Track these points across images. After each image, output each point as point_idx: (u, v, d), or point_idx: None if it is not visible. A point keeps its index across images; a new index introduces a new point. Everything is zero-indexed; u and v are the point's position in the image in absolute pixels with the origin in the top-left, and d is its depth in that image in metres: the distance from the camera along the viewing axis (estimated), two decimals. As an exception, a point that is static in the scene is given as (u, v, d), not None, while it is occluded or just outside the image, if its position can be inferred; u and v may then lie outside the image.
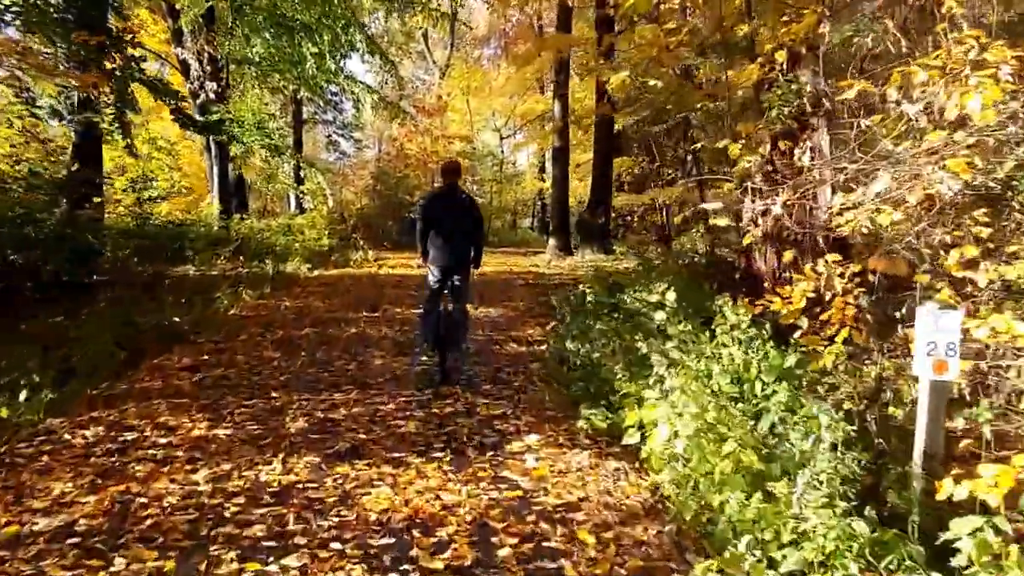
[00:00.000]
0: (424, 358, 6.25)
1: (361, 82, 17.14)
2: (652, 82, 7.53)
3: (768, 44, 5.30)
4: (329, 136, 30.05)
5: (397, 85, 18.56)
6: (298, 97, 23.81)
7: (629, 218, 25.42)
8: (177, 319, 8.09)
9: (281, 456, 4.27)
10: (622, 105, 20.40)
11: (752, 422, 3.62)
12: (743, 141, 5.21)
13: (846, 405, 3.51)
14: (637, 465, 4.12)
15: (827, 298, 3.99)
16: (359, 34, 16.22)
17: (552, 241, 21.50)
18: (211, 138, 17.41)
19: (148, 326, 7.48)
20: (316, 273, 13.93)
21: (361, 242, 20.49)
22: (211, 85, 15.63)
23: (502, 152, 37.14)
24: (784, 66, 5.20)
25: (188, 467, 4.11)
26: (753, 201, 5.11)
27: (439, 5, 21.32)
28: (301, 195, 20.67)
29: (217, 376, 6.01)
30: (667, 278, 7.45)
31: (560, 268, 16.10)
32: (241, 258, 13.59)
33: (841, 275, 3.87)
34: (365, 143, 38.22)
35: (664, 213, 22.95)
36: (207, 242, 14.19)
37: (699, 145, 12.67)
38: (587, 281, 9.67)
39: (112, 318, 7.49)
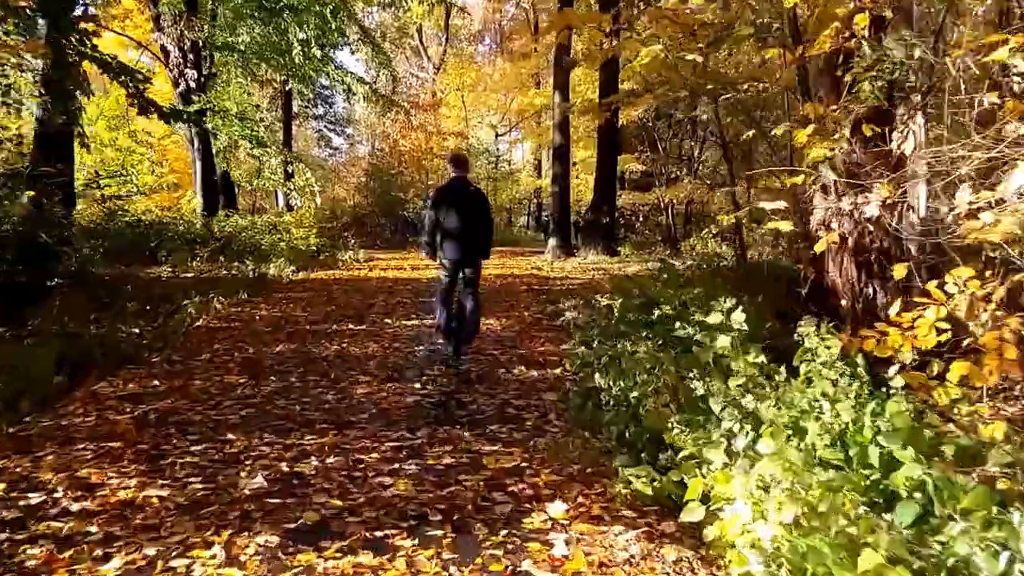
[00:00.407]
0: (440, 342, 6.68)
1: (352, 73, 16.02)
2: (690, 57, 6.40)
3: (840, 8, 4.23)
4: (319, 131, 28.87)
5: (390, 78, 17.41)
6: (287, 89, 22.71)
7: (633, 218, 24.38)
8: (136, 330, 7.00)
9: (227, 534, 3.17)
10: (625, 97, 19.40)
11: (866, 508, 2.56)
12: (813, 126, 4.12)
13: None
14: (704, 553, 3.05)
15: (963, 327, 2.92)
16: (349, 21, 15.11)
17: (552, 241, 20.44)
18: (193, 130, 16.36)
19: (97, 341, 6.37)
20: (301, 276, 12.82)
21: (352, 241, 19.38)
22: (191, 73, 14.53)
23: (497, 149, 36.02)
24: (867, 32, 4.13)
25: (99, 551, 3.01)
26: (839, 198, 4.03)
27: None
28: (288, 192, 19.48)
29: (165, 409, 4.89)
30: (696, 289, 6.40)
31: (564, 270, 15.03)
32: (221, 258, 12.48)
33: (987, 298, 2.80)
34: (358, 139, 37.11)
35: (669, 213, 21.90)
36: (185, 241, 13.09)
37: (732, 136, 11.47)
38: (611, 292, 8.48)
39: (58, 331, 6.40)
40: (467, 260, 6.27)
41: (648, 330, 4.98)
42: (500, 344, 7.20)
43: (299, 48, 13.75)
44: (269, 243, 15.04)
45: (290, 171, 20.00)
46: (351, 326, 7.90)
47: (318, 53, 13.21)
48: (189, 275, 11.28)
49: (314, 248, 15.95)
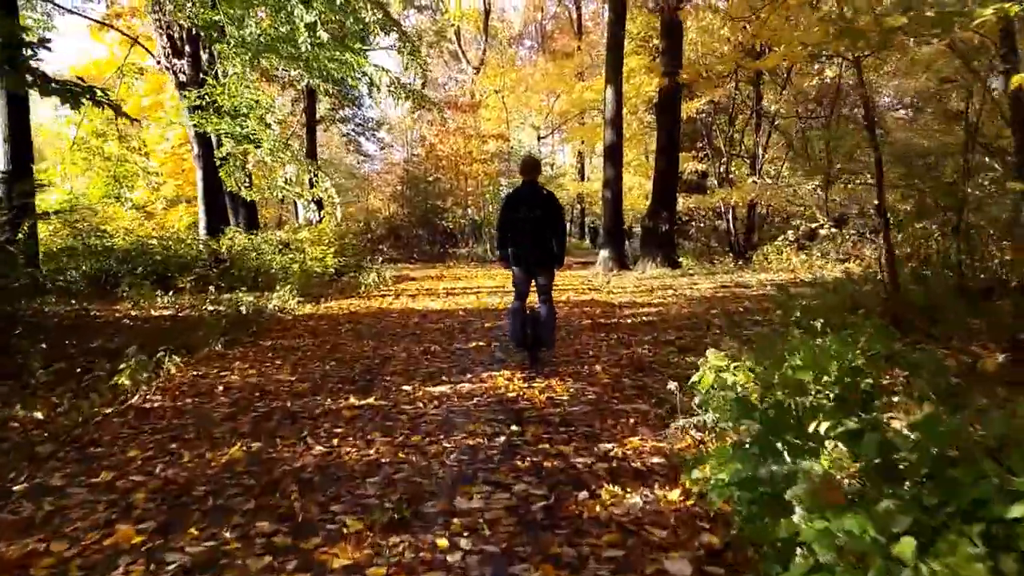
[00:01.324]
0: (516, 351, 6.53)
1: (372, 63, 13.62)
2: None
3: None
4: (346, 135, 26.68)
5: (419, 70, 14.98)
6: (310, 89, 20.53)
7: (686, 223, 21.65)
8: (39, 415, 4.68)
9: None
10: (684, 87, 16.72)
11: None
12: None
13: None
14: None
15: None
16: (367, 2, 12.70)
17: (604, 253, 17.85)
18: (192, 131, 14.25)
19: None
20: (309, 309, 10.43)
21: (379, 260, 17.02)
22: (180, 63, 12.32)
23: (540, 152, 33.47)
24: None
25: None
26: None
27: None
28: (306, 204, 17.12)
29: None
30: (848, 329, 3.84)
31: (624, 289, 12.44)
32: (213, 288, 10.17)
33: None
34: (393, 144, 34.93)
35: (729, 218, 19.16)
36: (170, 268, 10.86)
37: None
38: (721, 329, 5.78)
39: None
40: (540, 267, 6.26)
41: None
42: (570, 431, 4.64)
43: (306, 34, 11.37)
44: (280, 266, 12.76)
45: (312, 181, 17.77)
46: (352, 400, 5.42)
47: (324, 36, 10.81)
48: (166, 313, 8.99)
49: (332, 270, 13.61)
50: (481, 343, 7.58)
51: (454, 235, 28.60)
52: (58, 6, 15.64)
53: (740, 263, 16.63)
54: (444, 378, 6.10)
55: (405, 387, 5.82)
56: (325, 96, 24.37)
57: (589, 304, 10.37)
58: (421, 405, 5.28)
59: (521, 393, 5.56)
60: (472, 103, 29.46)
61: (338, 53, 12.85)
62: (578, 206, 35.63)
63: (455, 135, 28.24)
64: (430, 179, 28.13)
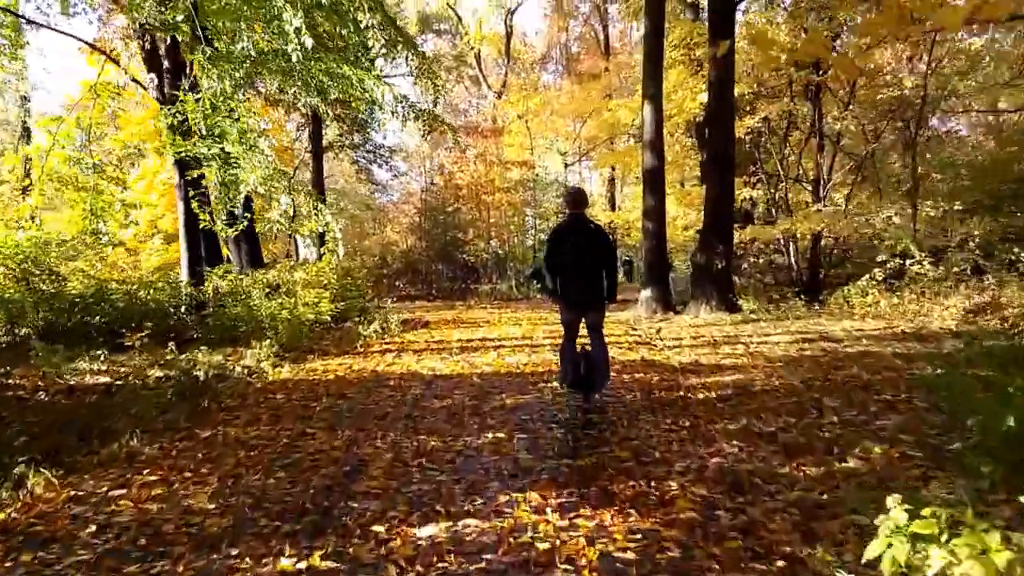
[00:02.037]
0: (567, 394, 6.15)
1: (376, 75, 11.77)
2: None
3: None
4: (356, 162, 24.96)
5: (431, 86, 13.07)
6: (314, 113, 18.84)
7: (740, 258, 19.47)
8: None
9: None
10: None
11: None
12: None
13: None
14: None
15: None
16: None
17: (647, 292, 15.68)
18: (174, 160, 12.51)
19: None
20: (287, 372, 8.34)
21: (388, 303, 15.05)
22: (149, 77, 10.58)
23: (567, 180, 31.56)
24: None
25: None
26: None
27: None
28: (304, 240, 15.13)
29: None
30: None
31: (679, 340, 10.27)
32: (175, 344, 8.22)
33: None
34: (409, 172, 33.21)
35: (790, 251, 16.95)
36: (138, 317, 8.98)
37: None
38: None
39: None
40: (589, 303, 5.96)
41: None
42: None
43: (296, 41, 9.52)
44: (268, 312, 10.80)
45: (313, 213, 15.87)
46: (284, 561, 3.32)
47: (309, 43, 8.93)
48: (100, 380, 7.02)
49: (328, 316, 11.61)
50: (500, 434, 5.42)
51: (476, 269, 26.68)
52: (32, 22, 14.01)
53: (810, 306, 14.45)
54: (439, 506, 3.96)
55: (376, 526, 3.72)
56: (334, 121, 22.75)
57: (641, 366, 8.19)
58: (395, 571, 3.20)
59: (556, 543, 3.46)
60: (494, 129, 27.69)
61: (334, 66, 11.00)
62: (609, 237, 33.53)
63: (476, 162, 26.44)
64: (449, 209, 26.31)
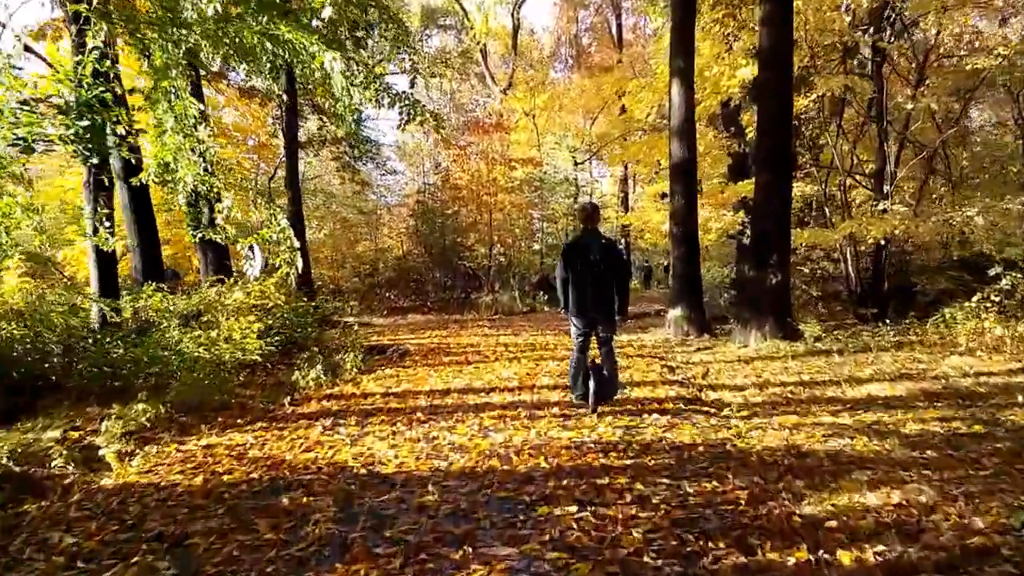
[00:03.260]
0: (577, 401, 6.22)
1: (323, 38, 8.72)
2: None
3: None
4: (336, 158, 21.90)
5: (406, 60, 9.92)
6: (289, 103, 15.91)
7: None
8: None
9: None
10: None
11: None
12: None
13: None
14: None
15: None
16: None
17: (677, 311, 12.60)
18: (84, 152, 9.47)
19: None
20: (136, 467, 5.01)
21: (354, 328, 12.01)
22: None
23: (575, 179, 28.40)
24: None
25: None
26: None
27: None
28: (246, 251, 11.80)
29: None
30: None
31: (740, 389, 7.10)
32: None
33: None
34: (401, 172, 30.11)
35: (849, 261, 13.76)
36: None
37: None
38: None
39: None
40: (601, 318, 6.03)
41: None
42: None
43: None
44: (193, 350, 7.73)
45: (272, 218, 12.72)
46: None
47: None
48: None
49: (256, 356, 8.42)
50: None
51: (477, 277, 23.59)
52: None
53: (874, 325, 11.28)
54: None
55: None
56: (314, 113, 19.76)
57: (699, 455, 5.00)
58: None
59: None
60: (497, 124, 24.57)
61: (262, 25, 7.93)
62: (621, 240, 30.34)
63: (477, 160, 23.35)
64: (448, 212, 23.23)
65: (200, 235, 10.21)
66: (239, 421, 6.32)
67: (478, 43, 34.26)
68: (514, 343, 11.89)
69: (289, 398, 7.24)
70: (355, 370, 8.78)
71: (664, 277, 37.25)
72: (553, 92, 32.68)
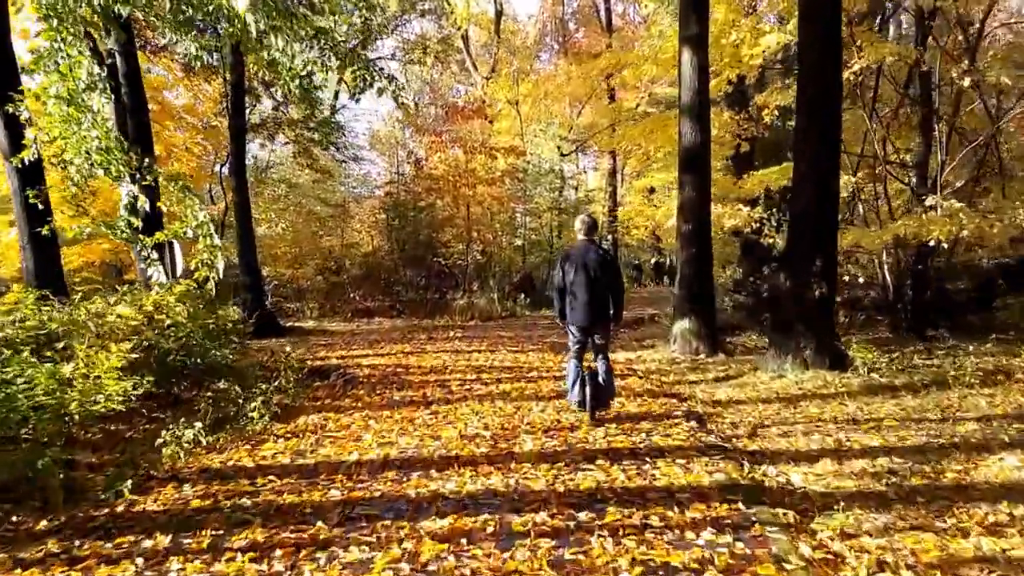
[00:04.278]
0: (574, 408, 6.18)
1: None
2: None
3: None
4: (289, 143, 19.31)
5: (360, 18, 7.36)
6: (236, 79, 13.42)
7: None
8: None
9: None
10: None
11: None
12: None
13: None
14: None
15: None
16: None
17: (684, 324, 10.23)
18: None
19: None
20: None
21: (286, 351, 9.55)
22: None
23: (560, 170, 25.95)
24: None
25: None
26: None
27: None
28: (144, 252, 8.92)
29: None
30: None
31: (794, 451, 4.70)
32: None
33: None
34: (379, 163, 27.52)
35: (884, 268, 11.41)
36: None
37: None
38: None
39: None
40: (596, 325, 6.07)
41: None
42: None
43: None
44: (46, 392, 5.24)
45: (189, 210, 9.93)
46: None
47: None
48: None
49: (117, 404, 5.86)
50: None
51: (453, 276, 21.12)
52: None
53: (913, 340, 9.02)
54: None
55: None
56: (265, 93, 17.15)
57: None
58: None
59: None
60: (477, 109, 22.04)
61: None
62: (609, 238, 28.00)
63: (455, 147, 20.83)
64: (421, 205, 20.71)
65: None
66: (40, 526, 3.86)
67: (459, 29, 31.74)
68: (489, 365, 9.45)
69: (143, 476, 4.77)
70: (265, 418, 6.28)
71: (656, 275, 35.08)
72: (539, 79, 30.24)
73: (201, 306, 8.35)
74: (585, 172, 36.40)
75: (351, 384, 8.37)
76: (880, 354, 8.33)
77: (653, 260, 36.07)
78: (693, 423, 5.90)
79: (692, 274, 10.47)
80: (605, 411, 6.19)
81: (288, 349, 11.35)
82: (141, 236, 7.99)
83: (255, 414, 6.17)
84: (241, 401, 6.51)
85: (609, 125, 24.73)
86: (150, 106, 19.34)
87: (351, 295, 19.31)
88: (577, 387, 6.02)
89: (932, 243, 9.72)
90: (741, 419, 6.24)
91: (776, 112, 12.78)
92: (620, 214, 27.92)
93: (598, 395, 5.99)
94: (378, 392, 7.71)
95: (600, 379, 6.03)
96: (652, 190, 34.93)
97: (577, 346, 6.16)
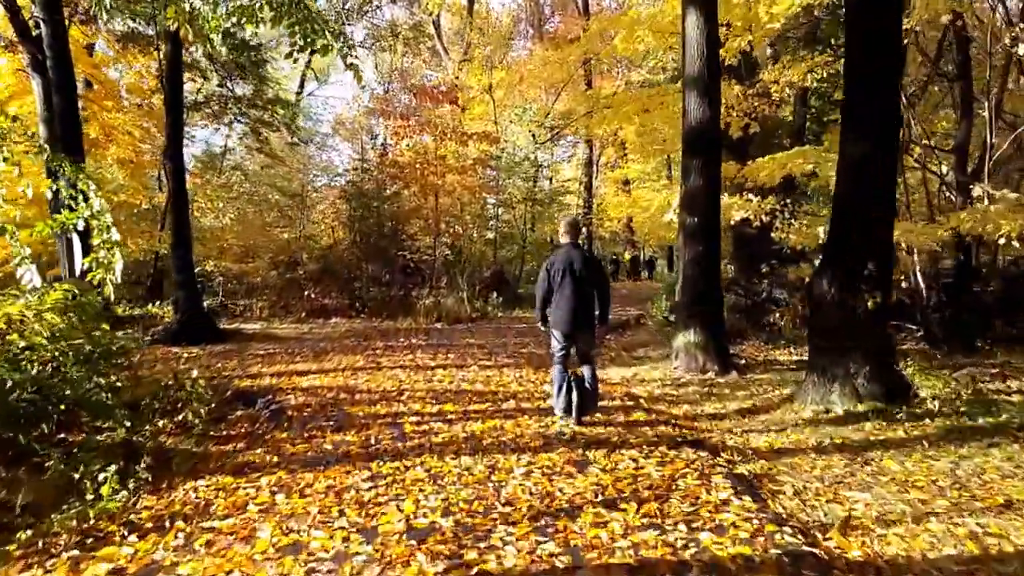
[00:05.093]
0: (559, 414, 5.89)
1: None
2: None
3: None
4: (234, 122, 17.09)
5: None
6: (173, 53, 11.29)
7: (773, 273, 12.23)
8: None
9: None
10: None
11: None
12: None
13: None
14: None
15: None
16: None
17: (689, 336, 8.28)
18: None
19: None
20: None
21: (196, 383, 7.42)
22: None
23: (535, 158, 23.95)
24: None
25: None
26: None
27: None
28: (18, 252, 6.70)
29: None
30: None
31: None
32: None
33: None
34: (342, 150, 25.27)
35: (918, 265, 9.53)
36: None
37: None
38: None
39: None
40: (582, 330, 5.81)
41: None
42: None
43: None
44: None
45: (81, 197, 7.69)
46: None
47: None
48: None
49: None
50: None
51: (420, 271, 19.07)
52: None
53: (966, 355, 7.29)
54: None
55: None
56: (211, 68, 14.89)
57: None
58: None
59: None
60: (446, 92, 19.93)
61: None
62: (585, 231, 26.16)
63: (422, 130, 18.71)
64: (385, 195, 18.60)
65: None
66: None
67: (430, 14, 29.66)
68: (455, 389, 7.47)
69: None
70: (125, 492, 4.26)
71: (634, 270, 33.37)
72: (513, 63, 28.27)
73: (81, 319, 6.27)
74: (561, 162, 34.56)
75: (276, 418, 6.36)
76: (944, 381, 6.55)
77: (628, 255, 34.38)
78: (746, 500, 4.01)
79: (698, 276, 8.61)
80: (591, 416, 5.94)
81: (217, 362, 9.32)
82: (9, 226, 5.88)
83: (106, 487, 4.13)
84: (95, 465, 4.45)
85: (586, 112, 22.87)
86: (92, 85, 17.07)
87: (308, 293, 17.17)
88: (563, 395, 5.77)
89: (967, 244, 7.95)
90: (805, 485, 4.39)
91: (787, 89, 10.97)
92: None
93: (584, 401, 5.77)
94: (308, 434, 5.71)
95: (586, 384, 5.81)
96: (627, 182, 33.24)
97: (562, 352, 5.88)
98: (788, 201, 10.31)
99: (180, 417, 6.29)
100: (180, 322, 12.61)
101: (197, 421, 6.16)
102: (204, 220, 18.31)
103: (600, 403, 6.37)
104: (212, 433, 5.99)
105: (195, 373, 8.33)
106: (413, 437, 5.51)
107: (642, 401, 7.06)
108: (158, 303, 15.64)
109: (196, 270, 17.45)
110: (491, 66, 27.65)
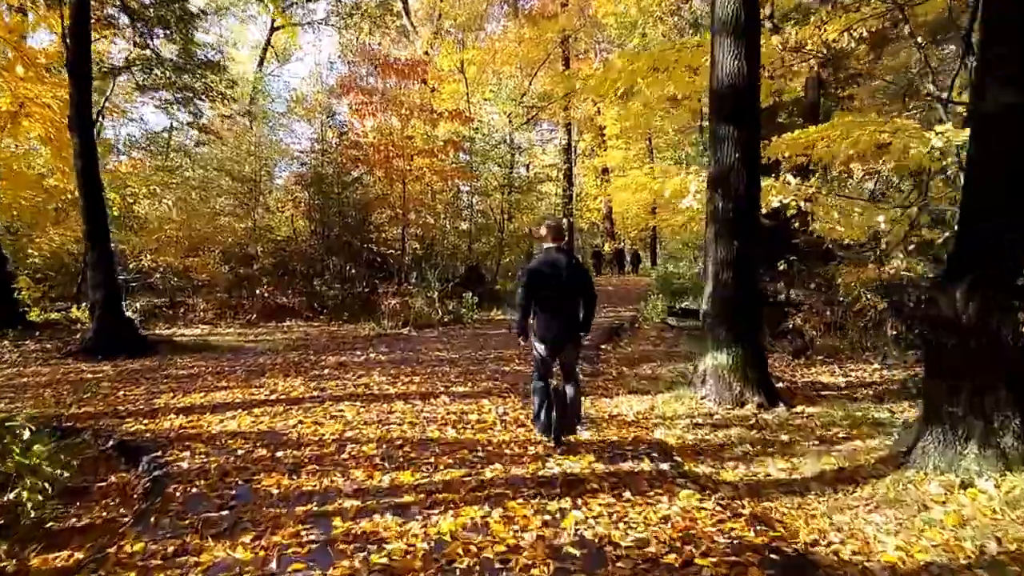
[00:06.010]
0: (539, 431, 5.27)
1: None
2: None
3: None
4: (141, 87, 14.64)
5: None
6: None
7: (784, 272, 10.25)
8: None
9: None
10: None
11: None
12: None
13: None
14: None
15: None
16: None
17: (721, 358, 5.99)
18: None
19: None
20: None
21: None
22: None
23: (511, 139, 21.72)
24: None
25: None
26: None
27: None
28: None
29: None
30: None
31: None
32: None
33: None
34: (305, 133, 22.83)
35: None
36: None
37: None
38: None
39: None
40: (566, 341, 5.14)
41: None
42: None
43: None
44: None
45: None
46: None
47: None
48: None
49: None
50: None
51: (387, 266, 16.82)
52: None
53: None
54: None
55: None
56: (131, 26, 12.40)
57: None
58: None
59: None
60: (413, 65, 17.60)
61: None
62: (566, 222, 24.05)
63: (386, 108, 16.39)
64: (347, 181, 16.30)
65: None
66: None
67: (397, -10, 27.23)
68: (419, 439, 5.32)
69: None
70: None
71: (618, 264, 31.31)
72: (488, 40, 26.00)
73: None
74: (539, 147, 32.39)
75: (154, 494, 4.20)
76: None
77: (613, 247, 32.40)
78: None
79: (732, 280, 6.53)
80: (573, 435, 5.31)
81: (121, 388, 7.10)
82: None
83: None
84: None
85: (565, 95, 20.70)
86: (7, 52, 14.54)
87: (261, 291, 14.86)
88: (544, 413, 5.13)
89: None
90: None
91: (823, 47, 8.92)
92: (586, 196, 24.08)
93: (564, 420, 5.12)
94: (180, 540, 3.53)
95: (567, 399, 5.14)
96: (605, 171, 31.20)
97: (544, 364, 5.18)
98: (833, 182, 8.29)
99: (11, 496, 4.10)
100: (95, 331, 10.33)
101: (30, 505, 4.01)
102: (139, 208, 15.81)
103: (623, 462, 4.35)
104: (51, 524, 3.86)
105: (73, 409, 6.17)
106: (343, 551, 3.35)
107: (675, 455, 4.99)
108: (84, 305, 13.21)
109: (130, 266, 15.05)
110: (464, 42, 25.37)
